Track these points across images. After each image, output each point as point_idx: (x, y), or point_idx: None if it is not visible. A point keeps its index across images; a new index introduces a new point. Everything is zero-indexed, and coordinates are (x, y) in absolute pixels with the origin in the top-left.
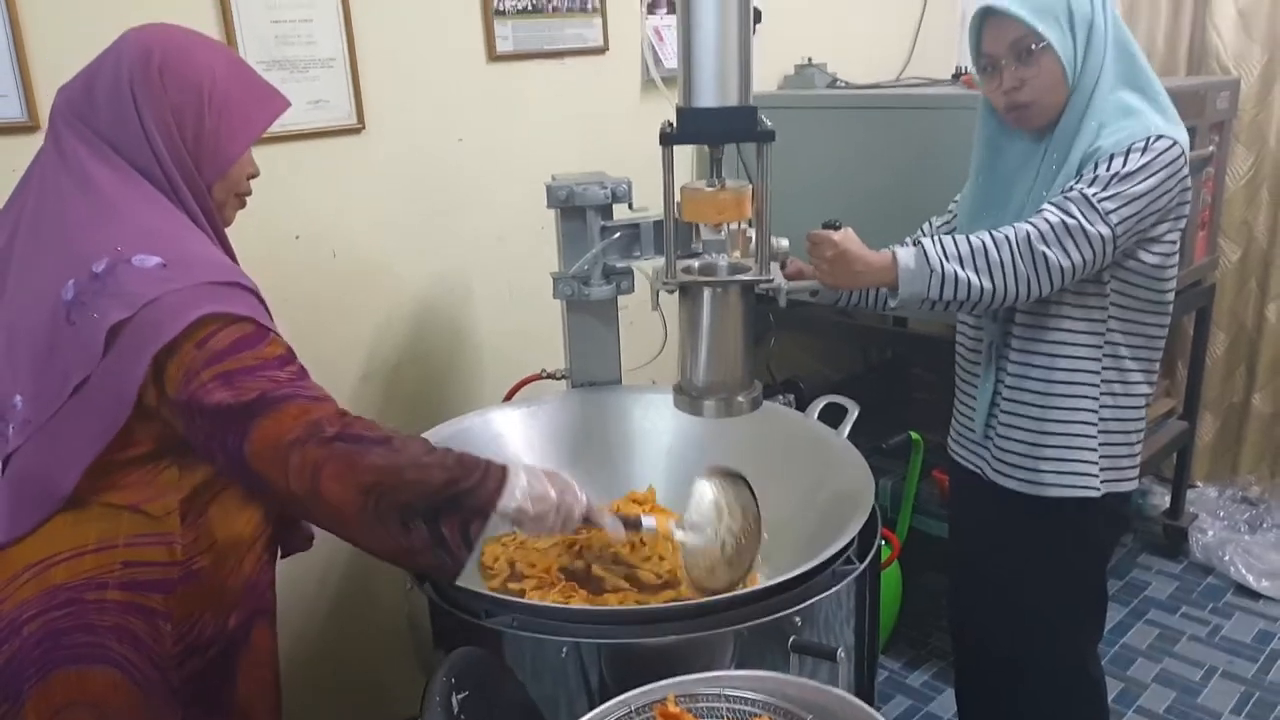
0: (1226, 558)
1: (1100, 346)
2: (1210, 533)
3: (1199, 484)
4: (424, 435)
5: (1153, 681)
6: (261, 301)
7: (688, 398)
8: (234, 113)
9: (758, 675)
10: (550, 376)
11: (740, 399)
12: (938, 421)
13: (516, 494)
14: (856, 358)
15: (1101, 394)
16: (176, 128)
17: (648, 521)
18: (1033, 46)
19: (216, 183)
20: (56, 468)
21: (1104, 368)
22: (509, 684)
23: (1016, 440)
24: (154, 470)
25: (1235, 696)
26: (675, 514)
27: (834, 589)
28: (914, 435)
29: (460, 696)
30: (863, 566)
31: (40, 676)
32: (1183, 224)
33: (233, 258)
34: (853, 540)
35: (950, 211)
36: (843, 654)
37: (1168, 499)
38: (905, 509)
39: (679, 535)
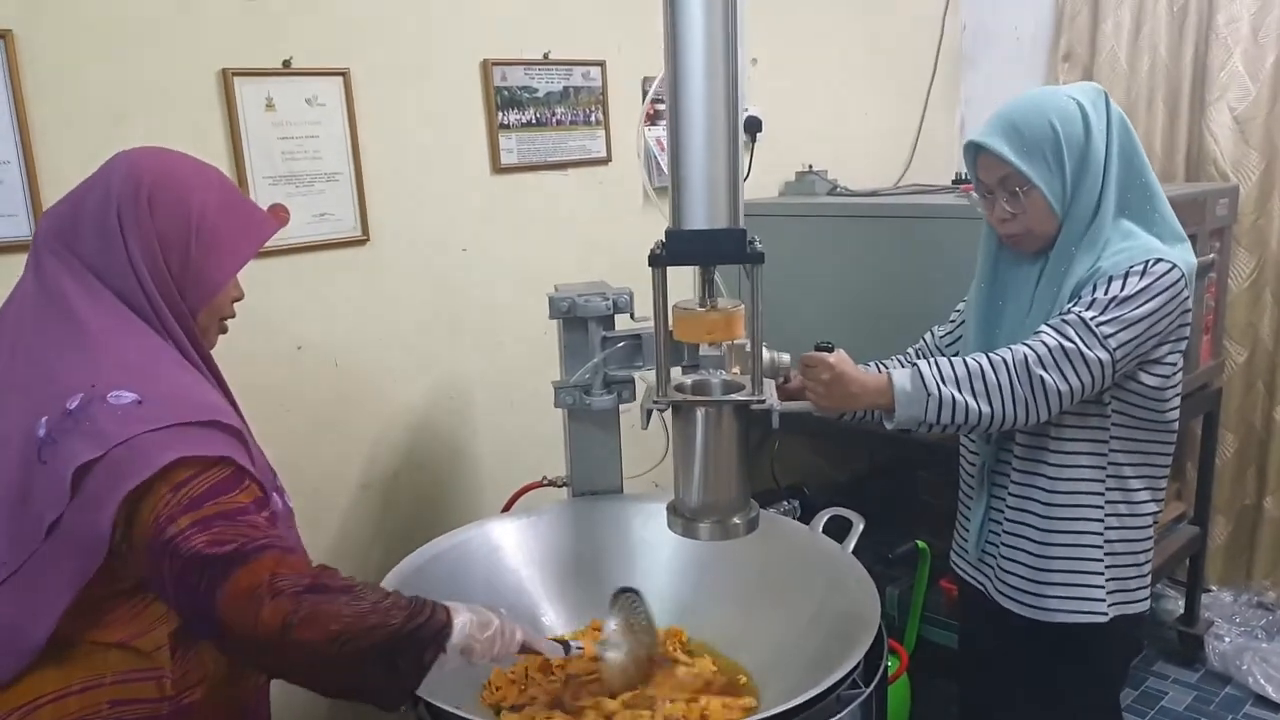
0: (1245, 667)
1: (1104, 468)
2: (1227, 639)
3: (1213, 588)
4: (425, 547)
5: None
6: (242, 439)
7: (682, 520)
8: (222, 243)
9: None
10: (551, 484)
11: (736, 521)
12: (945, 527)
13: (465, 624)
14: (861, 459)
15: (1106, 515)
16: (162, 257)
17: (575, 645)
18: (1018, 189)
19: (202, 310)
20: (29, 618)
21: (1108, 489)
22: None
23: (1020, 564)
24: (140, 604)
25: None
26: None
27: (839, 715)
28: (921, 544)
29: None
30: (869, 691)
31: None
32: (1183, 346)
33: (220, 381)
34: (859, 664)
35: (953, 321)
36: None
37: (1182, 604)
38: (913, 619)
39: (604, 654)
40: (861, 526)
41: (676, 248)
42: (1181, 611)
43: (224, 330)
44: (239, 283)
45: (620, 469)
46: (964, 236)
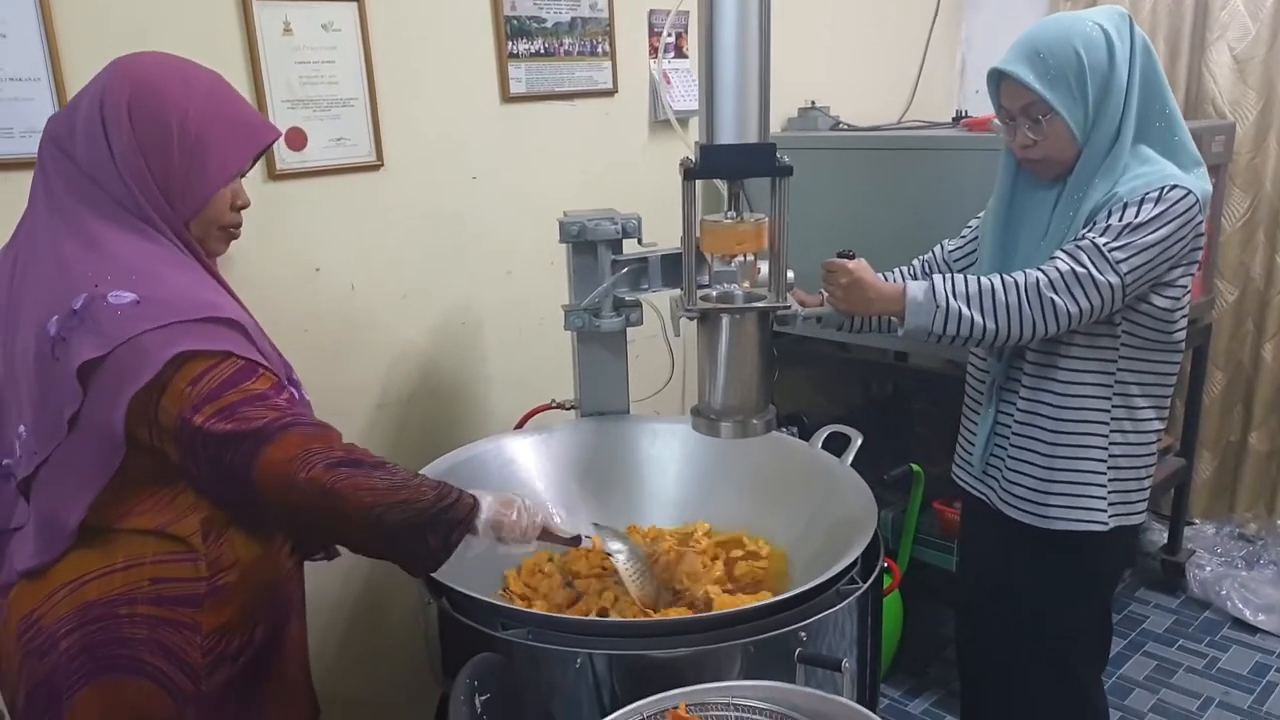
0: (1224, 592)
1: (1110, 385)
2: (1208, 568)
3: (1196, 521)
4: (441, 459)
5: (1150, 711)
6: (246, 333)
7: (705, 420)
8: (209, 152)
9: (766, 685)
10: (560, 406)
11: (755, 421)
12: (939, 454)
13: (491, 504)
14: (858, 393)
15: (1111, 431)
16: (146, 164)
17: (585, 536)
18: (1041, 116)
19: (194, 218)
20: (60, 505)
21: (1114, 405)
22: (528, 691)
23: (1025, 474)
24: (169, 495)
25: None
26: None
27: (838, 606)
28: (915, 468)
29: (483, 699)
30: (865, 586)
31: (79, 686)
32: (1195, 269)
33: (227, 288)
34: (856, 561)
35: (963, 237)
36: (847, 665)
37: (1165, 535)
38: (906, 539)
39: (611, 545)
40: (859, 441)
41: (710, 161)
42: (1165, 542)
43: (234, 237)
44: (242, 192)
45: (627, 391)
46: (964, 170)
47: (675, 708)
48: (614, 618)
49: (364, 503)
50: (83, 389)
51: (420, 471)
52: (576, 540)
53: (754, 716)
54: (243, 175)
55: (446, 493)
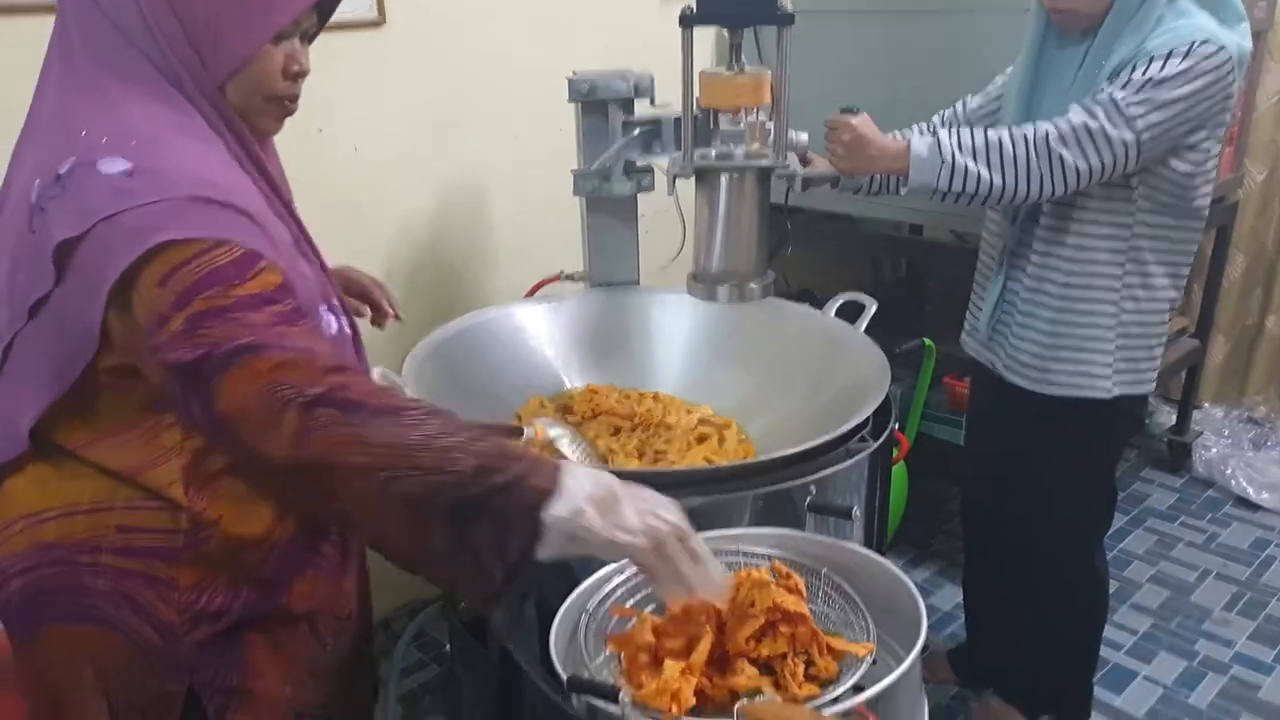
0: (1229, 472)
1: (1124, 251)
2: (1214, 449)
3: (1205, 405)
4: (447, 325)
5: (1147, 582)
6: (258, 224)
7: (702, 285)
8: (249, 4)
9: (775, 533)
10: (569, 278)
11: (753, 285)
12: (951, 330)
13: (576, 496)
14: (870, 269)
15: (1122, 298)
16: (175, 14)
17: (527, 431)
18: None
19: (230, 82)
20: (15, 403)
21: (1126, 272)
22: None
23: (1031, 340)
24: (150, 428)
25: (1227, 596)
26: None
27: (848, 462)
28: (926, 341)
29: None
30: (876, 445)
31: (29, 629)
32: (1221, 133)
33: (269, 180)
34: (868, 419)
35: (987, 94)
36: (857, 512)
37: (1174, 417)
38: (915, 413)
39: (552, 432)
40: (873, 308)
41: (708, 7)
42: (1173, 424)
43: (288, 112)
44: (300, 55)
45: (638, 260)
46: (979, 33)
47: None
48: (618, 466)
49: (353, 464)
50: (57, 272)
51: (427, 339)
52: (518, 432)
53: (762, 563)
54: (303, 34)
55: (500, 460)
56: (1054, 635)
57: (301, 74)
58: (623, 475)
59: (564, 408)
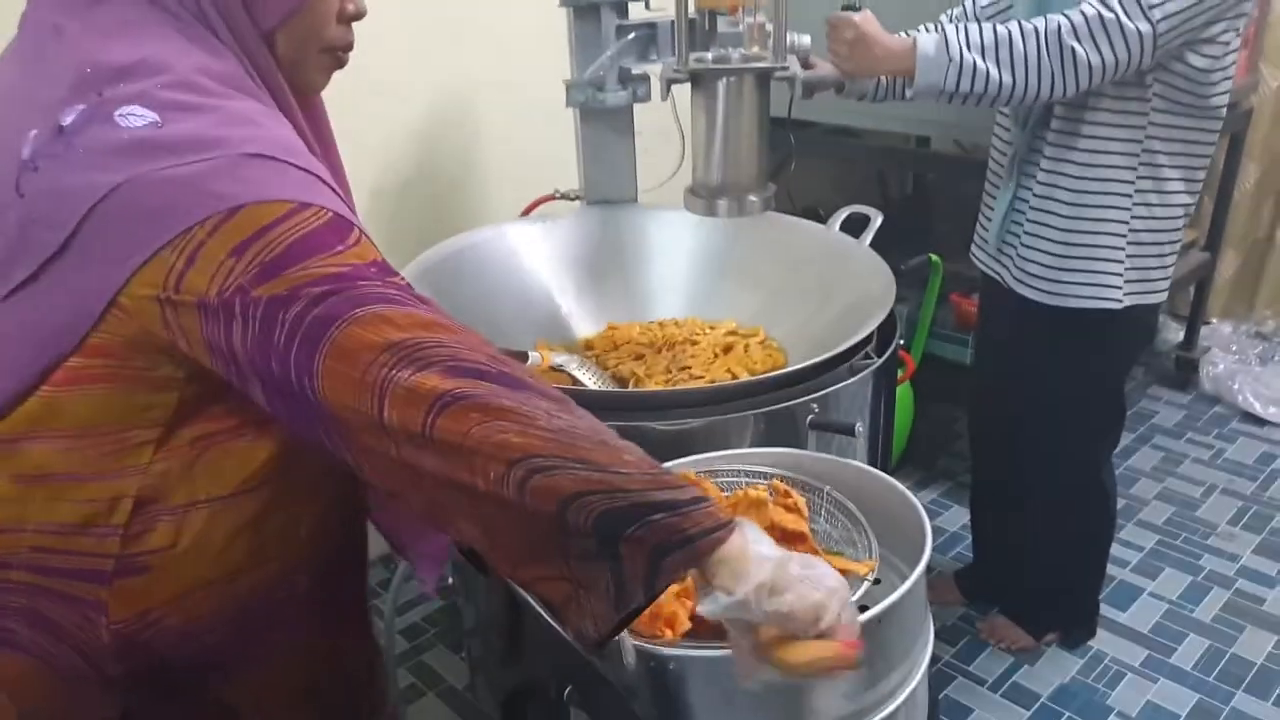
0: (1236, 387)
1: (1137, 155)
2: (1221, 365)
3: (1214, 320)
4: (439, 246)
5: (1154, 499)
6: (337, 195)
7: (700, 198)
8: None
9: (776, 452)
10: (564, 197)
11: (753, 198)
12: (958, 247)
13: (761, 546)
14: (875, 185)
15: (1135, 204)
16: None
17: (532, 356)
18: None
19: (280, 30)
20: None
21: (1139, 176)
22: None
23: (1041, 250)
24: (121, 437)
25: (1233, 510)
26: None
27: (852, 379)
28: (933, 257)
29: None
30: (880, 361)
31: None
32: (1241, 24)
33: (323, 147)
34: (872, 335)
35: None
36: (860, 428)
37: (1181, 334)
38: (921, 332)
39: (557, 359)
40: (879, 221)
41: None
42: (1180, 340)
43: (340, 64)
44: None
45: (635, 176)
46: None
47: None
48: (618, 388)
49: (500, 443)
50: (57, 245)
51: (414, 262)
52: (522, 356)
53: (762, 482)
54: None
55: (669, 481)
56: (1061, 552)
57: (358, 15)
58: (627, 399)
59: (585, 347)
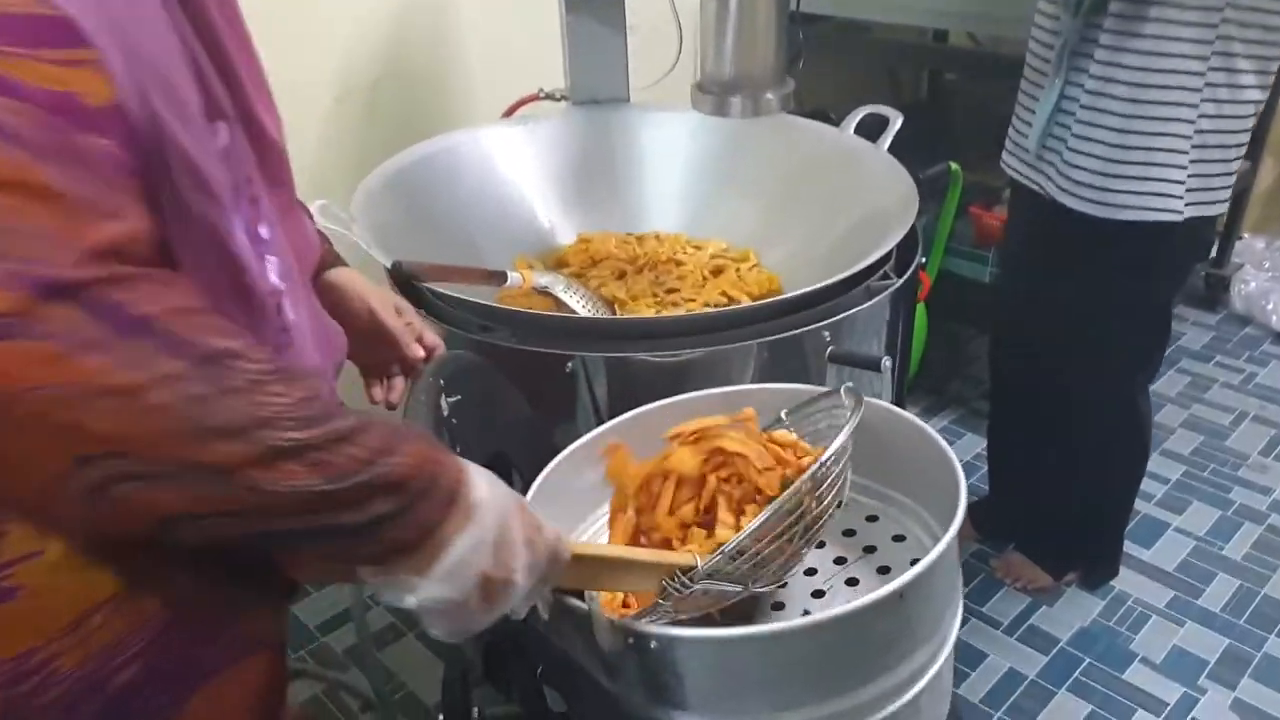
0: (1269, 306)
1: (1210, 42)
2: (1254, 283)
3: (1246, 235)
4: (407, 151)
5: (1180, 426)
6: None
7: (709, 96)
8: None
9: (789, 389)
10: (549, 97)
11: (769, 96)
12: (979, 154)
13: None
14: (889, 86)
15: (1203, 100)
16: None
17: (512, 276)
18: None
19: None
20: None
21: (1210, 68)
22: (508, 397)
23: (1091, 155)
24: None
25: (1265, 439)
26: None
27: (869, 303)
28: (953, 166)
29: (452, 400)
30: (900, 282)
31: None
32: None
33: None
34: (890, 253)
35: None
36: (887, 363)
37: (1213, 250)
38: (938, 246)
39: (541, 280)
40: (899, 123)
41: None
42: (1212, 256)
43: None
44: None
45: (626, 73)
46: None
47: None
48: (611, 316)
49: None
50: None
51: (381, 168)
52: (500, 276)
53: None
54: None
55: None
56: (1089, 486)
57: None
58: (620, 327)
59: (558, 263)
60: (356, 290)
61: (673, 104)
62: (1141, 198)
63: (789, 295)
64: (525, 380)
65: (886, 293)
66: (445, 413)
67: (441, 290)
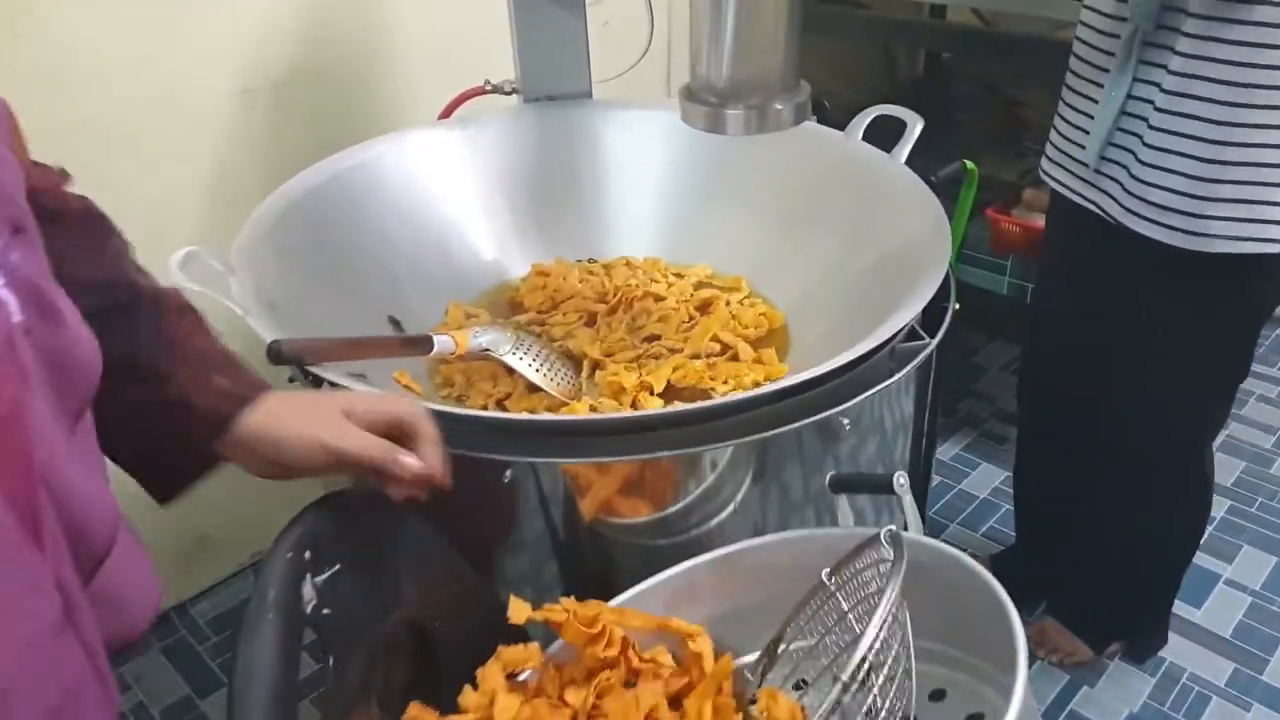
0: None
1: None
2: None
3: None
4: (317, 166)
5: (1216, 450)
6: None
7: (703, 106)
8: None
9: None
10: (496, 90)
11: (779, 106)
12: (990, 148)
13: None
14: (884, 69)
15: None
16: None
17: (440, 341)
18: None
19: None
20: None
21: None
22: (420, 539)
23: (1172, 171)
24: None
25: None
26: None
27: (899, 375)
28: (969, 165)
29: (321, 579)
30: (933, 344)
31: None
32: None
33: None
34: (919, 310)
35: None
36: (903, 481)
37: None
38: (952, 253)
39: (481, 339)
40: (919, 128)
41: None
42: None
43: None
44: None
45: (588, 65)
46: None
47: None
48: (546, 415)
49: None
50: None
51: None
52: (426, 343)
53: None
54: None
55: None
56: (1142, 546)
57: None
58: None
59: (512, 305)
60: (292, 431)
61: (643, 100)
62: (1240, 225)
63: (796, 379)
64: (448, 503)
65: (914, 362)
66: (309, 607)
67: (334, 378)
